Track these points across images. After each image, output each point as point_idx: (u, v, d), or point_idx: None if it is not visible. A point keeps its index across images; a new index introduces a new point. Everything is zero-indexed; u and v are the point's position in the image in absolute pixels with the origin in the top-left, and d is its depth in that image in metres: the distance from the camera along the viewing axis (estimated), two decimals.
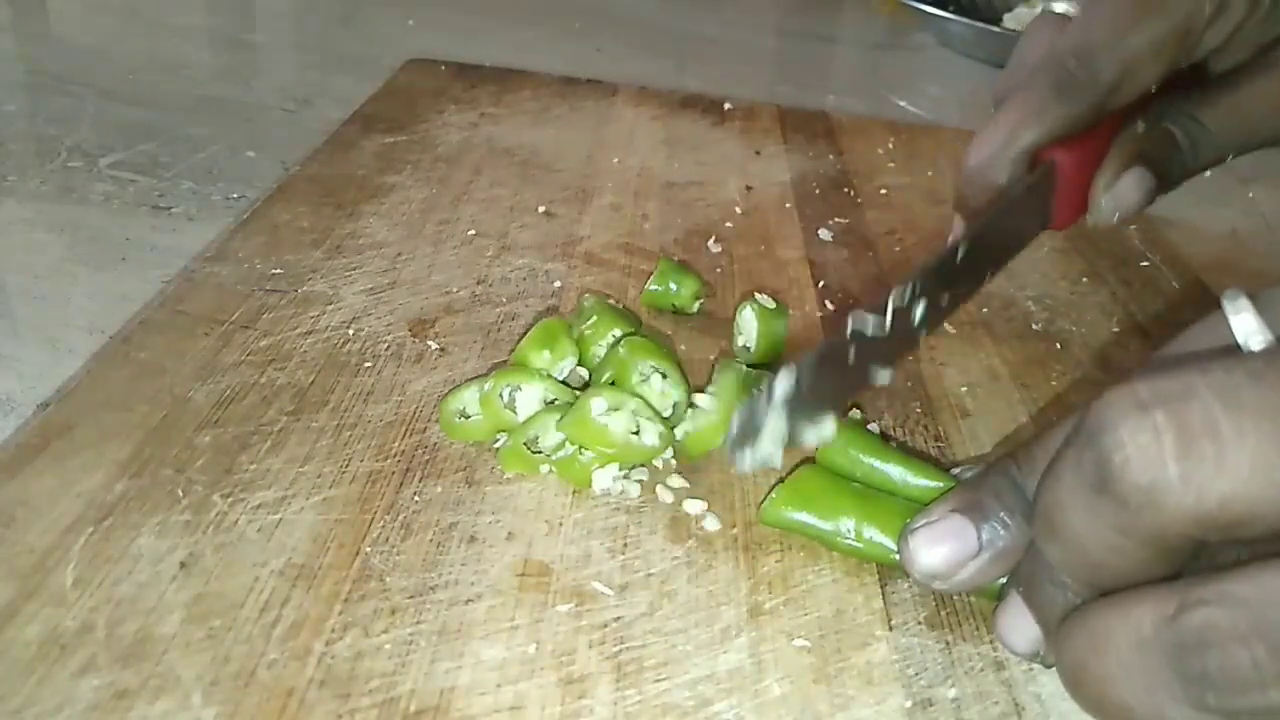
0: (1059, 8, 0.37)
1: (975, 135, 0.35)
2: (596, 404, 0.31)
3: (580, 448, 0.32)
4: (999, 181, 0.35)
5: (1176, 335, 0.24)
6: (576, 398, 0.32)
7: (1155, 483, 0.20)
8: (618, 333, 0.36)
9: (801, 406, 0.27)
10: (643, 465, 0.33)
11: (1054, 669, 0.26)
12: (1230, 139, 0.36)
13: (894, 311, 0.29)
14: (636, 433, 0.32)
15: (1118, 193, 0.35)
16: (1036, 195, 0.34)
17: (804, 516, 0.30)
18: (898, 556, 0.28)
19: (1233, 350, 0.23)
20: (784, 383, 0.27)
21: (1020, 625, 0.26)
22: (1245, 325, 0.22)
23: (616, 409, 0.31)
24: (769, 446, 0.27)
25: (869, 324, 0.29)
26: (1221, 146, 0.36)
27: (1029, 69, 0.35)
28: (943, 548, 0.26)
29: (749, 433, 0.27)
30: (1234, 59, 0.35)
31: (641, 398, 0.32)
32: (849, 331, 0.28)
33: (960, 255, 0.31)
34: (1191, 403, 0.20)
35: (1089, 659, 0.22)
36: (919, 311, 0.30)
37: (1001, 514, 0.26)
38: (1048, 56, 0.34)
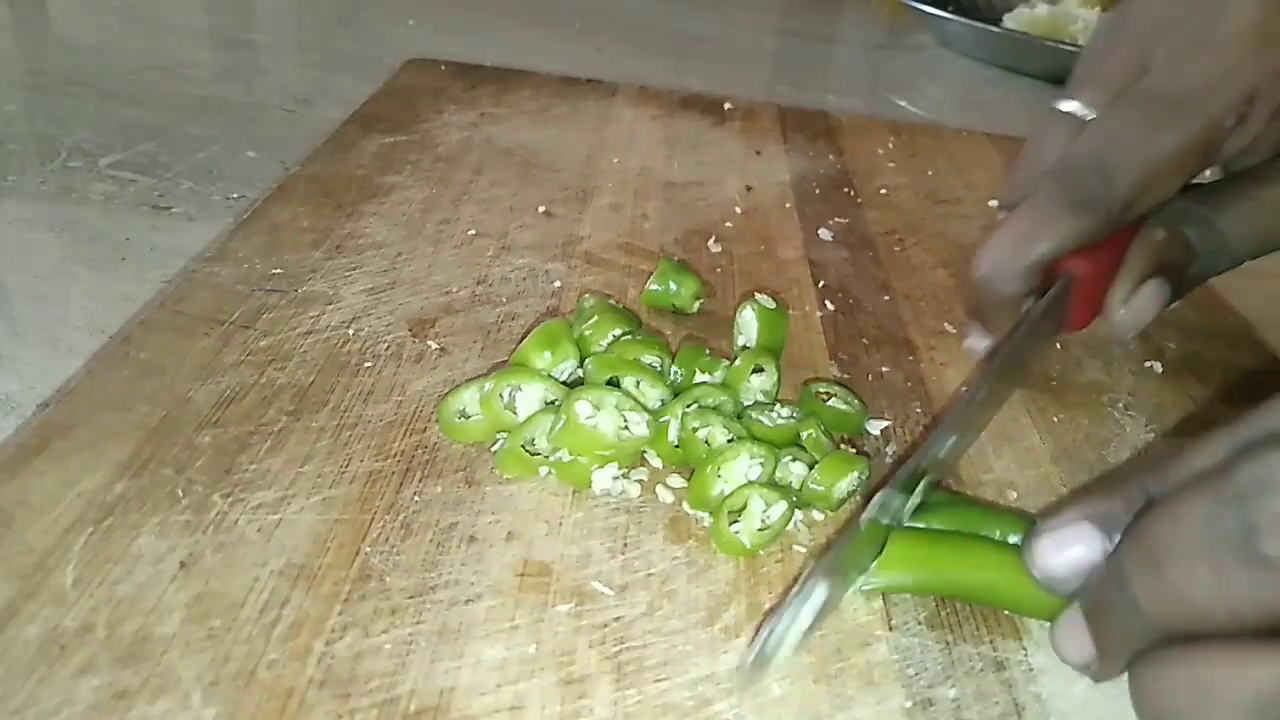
0: (1067, 106, 0.35)
1: (986, 241, 0.34)
2: (581, 408, 0.31)
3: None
4: (1011, 291, 0.34)
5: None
6: None
7: None
8: (618, 333, 0.36)
9: (829, 603, 0.26)
10: (642, 465, 0.33)
11: (1091, 679, 0.25)
12: (1246, 245, 0.35)
13: (926, 484, 0.29)
14: (626, 426, 0.32)
15: (1136, 306, 0.34)
16: (1054, 310, 0.33)
17: (906, 579, 0.29)
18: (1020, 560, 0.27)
19: None
20: (817, 596, 0.25)
21: (1078, 639, 0.25)
22: None
23: (599, 408, 0.31)
24: (789, 653, 0.25)
25: (895, 503, 0.28)
26: (1237, 252, 0.35)
27: (1039, 173, 0.34)
28: (1069, 553, 0.25)
29: (776, 647, 0.25)
30: (1251, 160, 0.35)
31: (620, 389, 0.33)
32: (876, 510, 0.28)
33: (981, 396, 0.31)
34: None
35: (1188, 710, 0.21)
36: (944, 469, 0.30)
37: None
38: (1061, 167, 0.33)
